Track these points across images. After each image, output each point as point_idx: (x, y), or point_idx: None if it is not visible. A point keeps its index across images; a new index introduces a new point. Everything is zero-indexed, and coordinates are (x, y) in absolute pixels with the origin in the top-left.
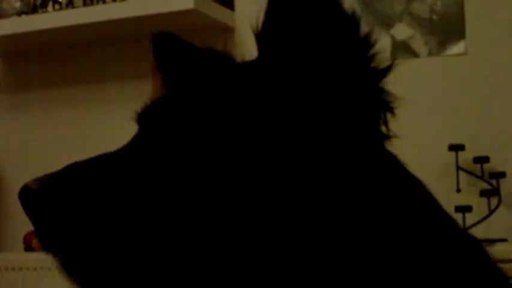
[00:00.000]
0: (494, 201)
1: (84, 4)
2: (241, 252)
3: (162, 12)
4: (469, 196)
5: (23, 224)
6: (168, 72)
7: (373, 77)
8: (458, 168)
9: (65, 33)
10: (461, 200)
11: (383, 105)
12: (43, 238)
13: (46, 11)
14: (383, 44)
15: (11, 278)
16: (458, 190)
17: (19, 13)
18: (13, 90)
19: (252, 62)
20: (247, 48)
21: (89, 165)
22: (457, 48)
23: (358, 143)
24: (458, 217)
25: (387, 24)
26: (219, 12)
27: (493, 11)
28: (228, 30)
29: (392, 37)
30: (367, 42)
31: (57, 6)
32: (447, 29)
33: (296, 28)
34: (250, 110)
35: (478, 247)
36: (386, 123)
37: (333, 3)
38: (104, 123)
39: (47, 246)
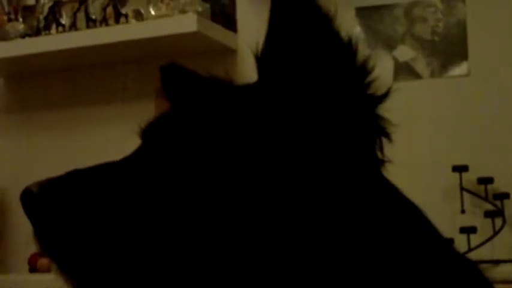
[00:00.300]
0: (498, 222)
1: (87, 27)
2: (238, 256)
3: (165, 35)
4: (474, 217)
5: (27, 246)
6: (175, 101)
7: (370, 104)
8: (462, 189)
9: (68, 55)
10: (466, 221)
11: (379, 131)
12: (42, 240)
13: (49, 34)
14: (385, 66)
15: None
16: (463, 211)
17: (23, 35)
18: (16, 111)
19: (252, 85)
20: (249, 70)
21: (89, 172)
22: (459, 69)
23: (353, 168)
24: (463, 238)
25: (390, 45)
26: (221, 35)
27: (495, 32)
28: (230, 52)
29: (395, 59)
30: (364, 69)
31: (60, 29)
32: (449, 50)
33: (295, 54)
34: (248, 131)
35: (474, 270)
36: (381, 149)
37: (331, 30)
38: (106, 143)
39: (45, 248)
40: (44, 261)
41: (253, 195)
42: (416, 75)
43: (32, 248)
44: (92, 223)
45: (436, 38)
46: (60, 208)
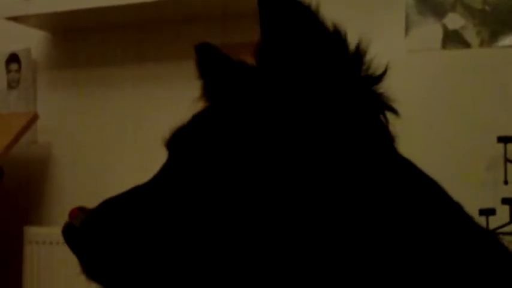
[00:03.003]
0: None
1: None
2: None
3: None
4: None
5: (68, 200)
6: (207, 79)
7: (367, 84)
8: (506, 160)
9: (116, 12)
10: (509, 192)
11: (382, 108)
12: (87, 270)
13: None
14: (434, 33)
15: (56, 252)
16: (506, 182)
17: None
18: (62, 67)
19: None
20: None
21: (123, 202)
22: (509, 39)
23: (361, 149)
24: (505, 209)
25: (439, 13)
26: None
27: None
28: None
29: (444, 26)
30: (357, 53)
31: None
32: (500, 20)
33: (288, 51)
34: (272, 139)
35: (496, 245)
36: (387, 123)
37: (316, 22)
38: (152, 102)
39: (91, 277)
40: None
41: (279, 192)
42: (466, 44)
43: (73, 202)
44: (133, 253)
45: (487, 8)
46: (101, 241)
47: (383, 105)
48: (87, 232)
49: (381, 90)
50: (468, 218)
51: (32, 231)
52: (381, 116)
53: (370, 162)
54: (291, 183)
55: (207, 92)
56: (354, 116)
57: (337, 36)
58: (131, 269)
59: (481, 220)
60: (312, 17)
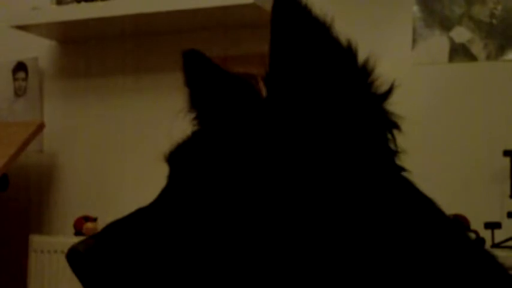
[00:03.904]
0: None
1: None
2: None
3: (222, 6)
4: None
5: (74, 209)
6: (194, 88)
7: (375, 101)
8: None
9: (123, 22)
10: None
11: (388, 125)
12: None
13: None
14: (441, 46)
15: (61, 261)
16: None
17: (78, 0)
18: (68, 76)
19: (269, 105)
20: None
21: (128, 228)
22: None
23: (364, 166)
24: (510, 223)
25: (446, 26)
26: None
27: None
28: None
29: (451, 39)
30: (365, 70)
31: None
32: (507, 33)
33: (299, 66)
34: (273, 155)
35: (491, 263)
36: (394, 140)
37: (330, 38)
38: (157, 112)
39: None
40: (89, 226)
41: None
42: (472, 57)
43: (79, 212)
44: (137, 278)
45: (494, 21)
46: (107, 270)
47: (390, 123)
48: (93, 259)
49: (388, 108)
50: (455, 229)
51: (37, 240)
52: (387, 134)
53: (367, 179)
54: (293, 202)
55: (193, 101)
56: (359, 133)
57: (349, 53)
58: None
59: (487, 234)
60: (326, 31)
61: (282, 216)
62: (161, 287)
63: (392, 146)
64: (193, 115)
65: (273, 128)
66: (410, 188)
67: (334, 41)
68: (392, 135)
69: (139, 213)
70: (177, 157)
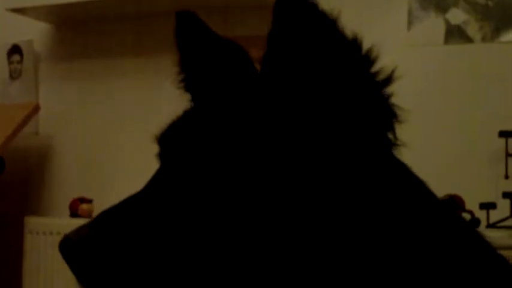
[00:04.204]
0: None
1: None
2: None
3: None
4: None
5: (69, 191)
6: (185, 51)
7: (376, 89)
8: (507, 154)
9: (119, 4)
10: (510, 186)
11: (388, 114)
12: (83, 284)
13: None
14: (437, 28)
15: (57, 242)
16: (507, 176)
17: None
18: (64, 59)
19: (265, 83)
20: None
21: (121, 216)
22: (511, 35)
23: (363, 151)
24: (505, 203)
25: (442, 8)
26: None
27: None
28: None
29: (447, 21)
30: (368, 59)
31: None
32: (503, 15)
33: (301, 52)
34: (266, 136)
35: (478, 239)
36: (393, 131)
37: (335, 30)
38: (154, 94)
39: None
40: (84, 207)
41: (276, 189)
42: (468, 39)
43: (74, 193)
44: (127, 271)
45: (490, 3)
46: (100, 256)
47: (390, 112)
48: (86, 249)
49: (389, 97)
50: (456, 222)
51: (33, 222)
52: (386, 122)
53: (361, 163)
54: (287, 183)
55: (183, 65)
56: (357, 118)
57: (354, 44)
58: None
59: (482, 214)
60: (332, 24)
61: (276, 197)
62: (154, 277)
63: (391, 135)
64: (181, 78)
65: (268, 110)
66: (404, 171)
67: (338, 32)
68: (392, 124)
69: (132, 201)
70: (168, 138)
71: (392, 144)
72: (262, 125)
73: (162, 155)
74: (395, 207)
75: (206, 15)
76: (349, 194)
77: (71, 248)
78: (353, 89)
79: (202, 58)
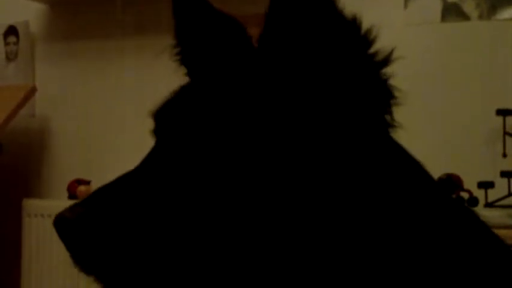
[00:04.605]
0: None
1: None
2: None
3: None
4: None
5: (67, 173)
6: (182, 24)
7: (373, 70)
8: (505, 133)
9: None
10: (507, 165)
11: (385, 94)
12: (79, 262)
13: None
14: (433, 6)
15: None
16: (505, 155)
17: None
18: (60, 39)
19: (262, 59)
20: None
21: (116, 194)
22: (508, 12)
23: (360, 133)
24: (503, 182)
25: None
26: None
27: None
28: None
29: None
30: (366, 40)
31: None
32: None
33: (299, 30)
34: (262, 113)
35: (474, 219)
36: (390, 112)
37: (334, 10)
38: (151, 75)
39: (83, 269)
40: (82, 189)
41: (269, 171)
42: (465, 17)
43: (72, 175)
44: (125, 243)
45: None
46: (94, 232)
47: (388, 93)
48: (80, 226)
49: (387, 78)
50: (453, 203)
51: (31, 204)
52: (384, 103)
53: (357, 144)
54: (284, 165)
55: (180, 37)
56: (354, 99)
57: (353, 24)
58: (126, 265)
59: (480, 193)
60: (331, 3)
61: (272, 176)
62: (147, 253)
63: (388, 117)
64: (178, 51)
65: (264, 87)
66: (400, 152)
67: (338, 12)
68: (390, 106)
69: (127, 178)
70: (163, 114)
71: (389, 125)
72: (258, 103)
73: (157, 131)
74: (391, 190)
75: None
76: (345, 177)
77: (66, 225)
78: (351, 70)
79: (199, 31)
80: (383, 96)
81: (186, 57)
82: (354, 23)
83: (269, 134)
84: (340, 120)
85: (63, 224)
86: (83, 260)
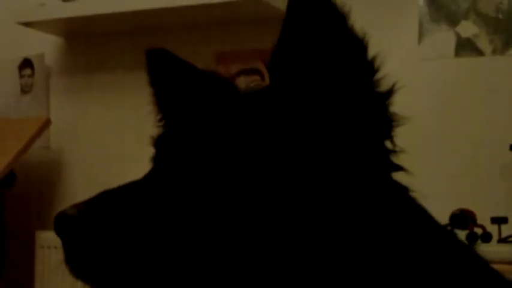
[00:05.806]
0: None
1: None
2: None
3: (223, 1)
4: None
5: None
6: (159, 89)
7: (378, 100)
8: None
9: (130, 17)
10: None
11: (387, 124)
12: (72, 261)
13: None
14: (448, 41)
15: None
16: None
17: None
18: (75, 72)
19: (266, 91)
20: None
21: (119, 195)
22: None
23: (361, 163)
24: None
25: (453, 21)
26: (281, 2)
27: None
28: None
29: (458, 34)
30: (371, 67)
31: None
32: None
33: (306, 55)
34: (265, 141)
35: (483, 269)
36: (392, 140)
37: (345, 28)
38: None
39: (74, 269)
40: None
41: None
42: (479, 52)
43: None
44: (123, 250)
45: (500, 15)
46: (96, 231)
47: (390, 123)
48: (82, 223)
49: (390, 107)
50: (446, 235)
51: (44, 236)
52: (387, 134)
53: (359, 179)
54: (287, 192)
55: (160, 101)
56: (358, 130)
57: (361, 46)
58: (127, 270)
59: (494, 228)
60: (342, 20)
61: (273, 204)
62: (148, 253)
63: (389, 145)
64: (159, 116)
65: (272, 116)
66: (402, 194)
67: (348, 31)
68: (392, 136)
69: (133, 184)
70: (165, 143)
71: (390, 151)
72: (262, 129)
73: (157, 158)
74: (389, 219)
75: (205, 31)
76: (341, 198)
77: (66, 221)
78: (355, 94)
79: (179, 94)
80: (383, 126)
81: (168, 120)
82: (362, 44)
83: (271, 164)
84: (339, 146)
85: (63, 219)
86: (77, 259)
